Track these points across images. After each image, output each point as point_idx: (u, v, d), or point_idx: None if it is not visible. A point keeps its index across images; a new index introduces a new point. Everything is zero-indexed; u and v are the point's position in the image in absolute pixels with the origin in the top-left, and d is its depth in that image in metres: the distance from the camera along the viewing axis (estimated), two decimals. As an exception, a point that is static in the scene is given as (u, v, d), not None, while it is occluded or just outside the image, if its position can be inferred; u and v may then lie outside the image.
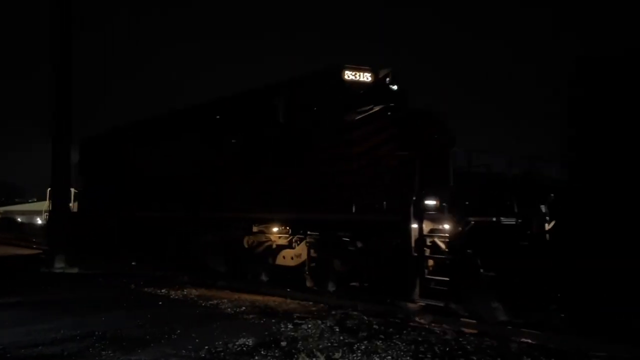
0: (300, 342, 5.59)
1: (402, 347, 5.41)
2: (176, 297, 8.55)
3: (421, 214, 7.33)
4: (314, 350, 5.25)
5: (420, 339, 5.77)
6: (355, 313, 7.01)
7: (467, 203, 7.31)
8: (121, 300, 8.01)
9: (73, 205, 15.86)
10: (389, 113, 8.08)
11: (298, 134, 8.98)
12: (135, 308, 7.48)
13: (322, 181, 8.44)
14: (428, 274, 7.19)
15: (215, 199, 10.69)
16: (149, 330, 6.09)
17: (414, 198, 7.33)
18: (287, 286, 9.18)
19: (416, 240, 7.29)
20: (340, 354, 5.16)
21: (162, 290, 9.01)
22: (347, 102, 8.37)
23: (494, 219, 7.37)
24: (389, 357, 5.12)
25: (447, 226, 7.36)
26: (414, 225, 7.31)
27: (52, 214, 13.02)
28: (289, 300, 8.21)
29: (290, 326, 6.31)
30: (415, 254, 7.26)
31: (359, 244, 8.11)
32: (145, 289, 9.20)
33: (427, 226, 7.42)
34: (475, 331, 6.21)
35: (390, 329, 6.18)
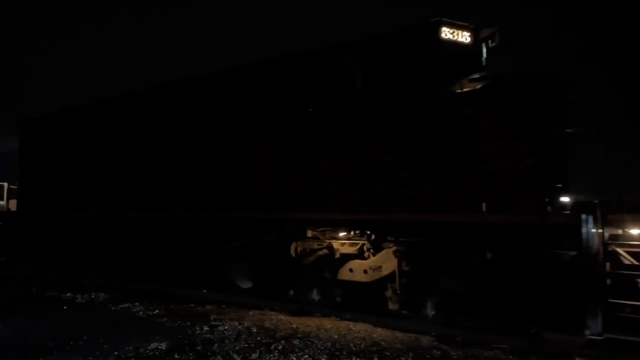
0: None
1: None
2: (83, 300, 8.08)
3: (605, 215, 5.37)
4: None
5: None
6: (489, 353, 5.31)
7: None
8: (21, 306, 7.45)
9: (8, 204, 13.38)
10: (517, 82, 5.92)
11: (384, 109, 6.70)
12: (37, 313, 6.98)
13: (429, 170, 6.20)
14: (611, 297, 5.22)
15: (242, 195, 8.05)
16: (54, 336, 5.72)
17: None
18: (345, 307, 7.15)
19: (598, 251, 5.31)
20: None
21: (67, 294, 8.48)
22: (444, 68, 6.50)
23: None
24: None
25: (636, 231, 5.52)
26: (596, 231, 5.32)
27: None
28: (361, 326, 6.39)
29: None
30: (599, 270, 5.29)
31: (489, 255, 5.87)
32: (48, 293, 8.62)
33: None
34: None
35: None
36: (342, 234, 7.33)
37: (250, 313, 7.06)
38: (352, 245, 7.17)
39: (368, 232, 6.95)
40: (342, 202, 6.85)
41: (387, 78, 6.73)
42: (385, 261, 6.74)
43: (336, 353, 5.26)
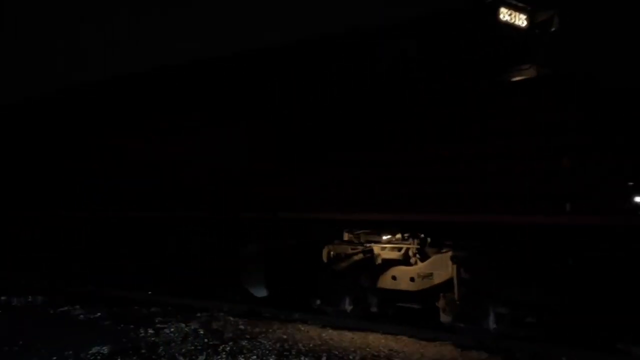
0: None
1: None
2: (19, 304, 7.70)
3: None
4: None
5: None
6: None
7: None
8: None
9: None
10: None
11: (440, 96, 5.89)
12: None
13: (494, 166, 5.43)
14: None
15: (264, 194, 7.01)
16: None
17: None
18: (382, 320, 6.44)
19: None
20: None
21: (2, 298, 8.05)
22: (502, 54, 5.91)
23: None
24: None
25: None
26: None
27: None
28: (406, 339, 5.79)
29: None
30: None
31: (570, 261, 5.21)
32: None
33: None
34: None
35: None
36: (384, 238, 6.44)
37: (198, 315, 6.92)
38: (395, 249, 6.32)
39: (422, 236, 6.09)
40: (388, 201, 5.92)
41: (440, 63, 5.90)
42: (438, 268, 5.92)
43: (284, 353, 5.24)
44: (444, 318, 5.83)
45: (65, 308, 7.33)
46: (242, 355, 5.15)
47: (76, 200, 9.29)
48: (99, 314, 7.01)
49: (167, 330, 6.07)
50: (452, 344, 5.54)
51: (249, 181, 7.09)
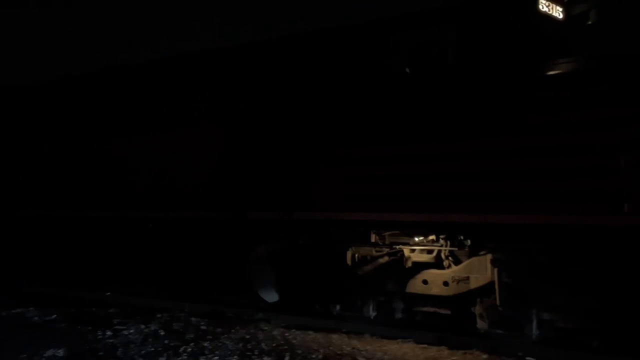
0: None
1: None
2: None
3: None
4: None
5: None
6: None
7: None
8: None
9: None
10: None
11: (479, 86, 5.47)
12: None
13: (547, 162, 4.99)
14: None
15: (279, 192, 6.40)
16: None
17: None
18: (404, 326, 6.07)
19: None
20: None
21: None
22: (540, 45, 5.54)
23: None
24: None
25: None
26: None
27: None
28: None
29: None
30: None
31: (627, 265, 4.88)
32: None
33: None
34: None
35: None
36: (415, 239, 6.04)
37: (159, 316, 6.78)
38: (426, 252, 5.93)
39: (460, 238, 5.68)
40: (422, 200, 5.48)
41: (478, 54, 5.52)
42: (475, 271, 5.56)
43: (247, 353, 5.19)
44: (481, 324, 5.46)
45: (19, 310, 7.07)
46: (204, 356, 5.08)
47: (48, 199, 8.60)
48: (54, 315, 6.79)
49: (125, 332, 5.93)
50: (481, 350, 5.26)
51: (260, 178, 6.51)
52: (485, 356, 5.15)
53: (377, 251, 6.10)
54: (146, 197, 7.48)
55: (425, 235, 5.91)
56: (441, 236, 5.79)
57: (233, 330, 6.04)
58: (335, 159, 5.99)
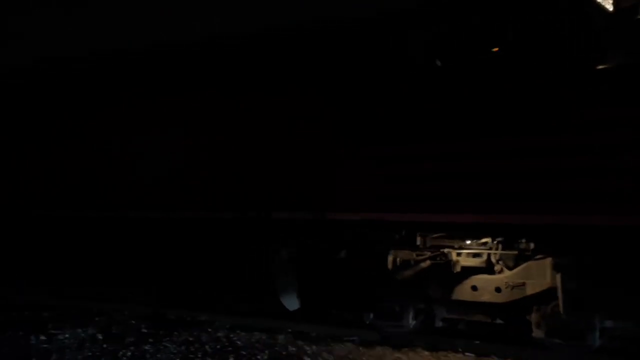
0: None
1: None
2: None
3: None
4: None
5: None
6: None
7: None
8: None
9: None
10: None
11: (536, 78, 5.11)
12: None
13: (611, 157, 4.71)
14: None
15: (308, 190, 5.86)
16: None
17: None
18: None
19: None
20: None
21: None
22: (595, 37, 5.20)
23: None
24: None
25: None
26: None
27: None
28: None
29: None
30: None
31: None
32: None
33: None
34: None
35: None
36: (463, 242, 5.64)
37: (97, 319, 6.55)
38: (474, 255, 5.51)
39: (522, 241, 5.32)
40: (475, 200, 5.09)
41: (528, 44, 5.13)
42: (531, 276, 5.21)
43: (190, 356, 5.09)
44: (538, 333, 5.15)
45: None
46: (145, 360, 4.94)
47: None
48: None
49: (61, 337, 5.69)
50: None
51: (287, 174, 5.93)
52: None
53: (420, 255, 5.66)
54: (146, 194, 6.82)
55: (477, 238, 5.49)
56: (495, 239, 5.43)
57: (176, 333, 5.90)
58: (376, 155, 5.53)
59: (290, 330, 6.06)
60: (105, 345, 5.39)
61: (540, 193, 4.79)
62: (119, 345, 5.37)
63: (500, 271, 5.36)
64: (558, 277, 4.99)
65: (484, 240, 5.45)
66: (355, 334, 5.81)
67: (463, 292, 5.46)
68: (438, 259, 5.59)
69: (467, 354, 5.28)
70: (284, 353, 5.25)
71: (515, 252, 5.30)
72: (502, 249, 5.36)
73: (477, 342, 5.45)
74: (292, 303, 6.24)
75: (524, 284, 5.23)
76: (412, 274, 5.65)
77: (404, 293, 5.71)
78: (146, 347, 5.33)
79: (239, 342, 5.60)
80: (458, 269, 5.47)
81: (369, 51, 5.72)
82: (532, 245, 5.20)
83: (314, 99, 5.90)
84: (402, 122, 5.43)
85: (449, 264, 5.52)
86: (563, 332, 5.05)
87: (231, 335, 5.87)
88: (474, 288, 5.43)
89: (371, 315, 5.85)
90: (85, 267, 7.43)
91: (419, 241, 5.65)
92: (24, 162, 7.79)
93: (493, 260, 5.39)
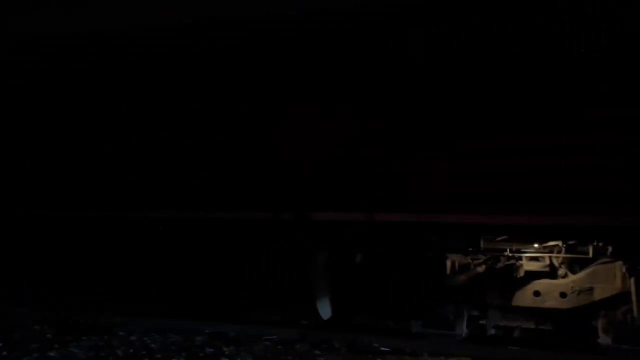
0: None
1: None
2: None
3: None
4: None
5: None
6: None
7: None
8: None
9: None
10: None
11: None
12: None
13: None
14: None
15: (350, 188, 5.38)
16: None
17: None
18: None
19: None
20: None
21: None
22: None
23: None
24: None
25: None
26: None
27: None
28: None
29: None
30: None
31: None
32: None
33: None
34: None
35: None
36: (536, 244, 5.31)
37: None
38: (536, 259, 5.24)
39: (598, 244, 5.06)
40: (541, 201, 4.72)
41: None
42: (598, 281, 5.01)
43: (99, 361, 4.88)
44: (604, 340, 4.97)
45: None
46: (49, 367, 4.67)
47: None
48: None
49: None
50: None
51: (327, 171, 5.47)
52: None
53: (477, 259, 5.39)
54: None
55: (540, 241, 5.23)
56: (560, 242, 5.18)
57: (84, 338, 5.63)
58: (438, 150, 5.11)
59: (207, 331, 5.94)
60: (5, 353, 5.07)
61: (613, 194, 4.50)
62: (21, 352, 5.06)
63: (565, 276, 5.14)
64: (632, 281, 4.83)
65: (551, 243, 5.20)
66: (275, 333, 5.79)
67: (524, 297, 5.21)
68: (497, 262, 5.31)
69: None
70: (201, 355, 5.15)
71: (581, 256, 5.10)
72: (564, 253, 5.15)
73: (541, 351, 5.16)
74: (327, 311, 5.97)
75: (591, 289, 5.04)
76: (469, 278, 5.35)
77: (459, 299, 5.43)
78: (51, 354, 5.06)
79: (153, 346, 5.43)
80: (521, 273, 5.21)
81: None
82: (598, 249, 5.03)
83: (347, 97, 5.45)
84: (468, 117, 5.02)
85: (510, 268, 5.23)
86: (635, 338, 4.89)
87: (145, 339, 5.68)
88: (537, 293, 5.18)
89: (418, 323, 5.59)
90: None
91: (482, 244, 5.37)
92: None
93: (556, 264, 5.17)
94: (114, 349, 5.25)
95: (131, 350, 5.23)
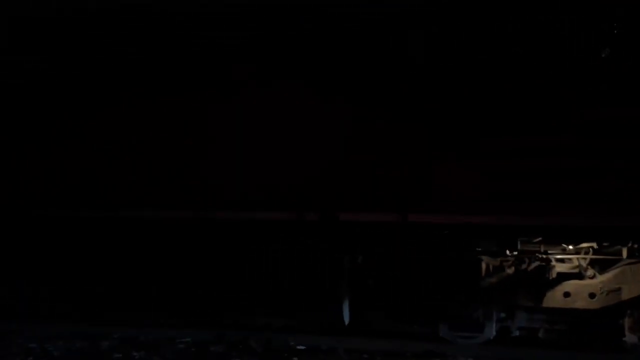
0: None
1: None
2: None
3: None
4: None
5: None
6: None
7: None
8: None
9: None
10: None
11: None
12: None
13: None
14: None
15: (376, 186, 5.25)
16: None
17: None
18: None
19: None
20: None
21: None
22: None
23: None
24: None
25: None
26: None
27: None
28: None
29: None
30: None
31: None
32: None
33: None
34: None
35: None
36: (571, 246, 5.30)
37: None
38: (565, 261, 5.26)
39: (634, 245, 5.12)
40: (576, 202, 4.74)
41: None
42: (626, 281, 5.10)
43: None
44: (631, 339, 5.10)
45: None
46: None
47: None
48: None
49: None
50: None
51: (354, 170, 5.39)
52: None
53: (506, 260, 5.40)
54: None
55: (572, 242, 5.31)
56: (591, 243, 5.27)
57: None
58: (474, 148, 5.10)
59: (116, 336, 5.75)
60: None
61: None
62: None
63: (593, 276, 5.20)
64: None
65: (586, 245, 5.29)
66: (188, 334, 5.71)
67: (554, 298, 5.25)
68: (529, 264, 5.33)
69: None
70: (141, 354, 5.06)
71: (609, 257, 5.21)
72: (592, 254, 5.26)
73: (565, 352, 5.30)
74: (347, 314, 5.83)
75: (619, 289, 5.14)
76: (503, 280, 5.38)
77: (488, 301, 5.43)
78: (29, 358, 4.87)
79: (55, 353, 5.21)
80: (554, 275, 5.23)
81: None
82: (627, 249, 5.16)
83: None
84: (506, 114, 5.10)
85: (541, 269, 5.28)
86: None
87: (46, 345, 5.42)
88: (567, 295, 5.22)
89: (445, 327, 5.56)
90: None
91: (521, 246, 5.39)
92: None
93: (584, 265, 5.25)
94: (13, 357, 4.97)
95: (30, 358, 4.97)
